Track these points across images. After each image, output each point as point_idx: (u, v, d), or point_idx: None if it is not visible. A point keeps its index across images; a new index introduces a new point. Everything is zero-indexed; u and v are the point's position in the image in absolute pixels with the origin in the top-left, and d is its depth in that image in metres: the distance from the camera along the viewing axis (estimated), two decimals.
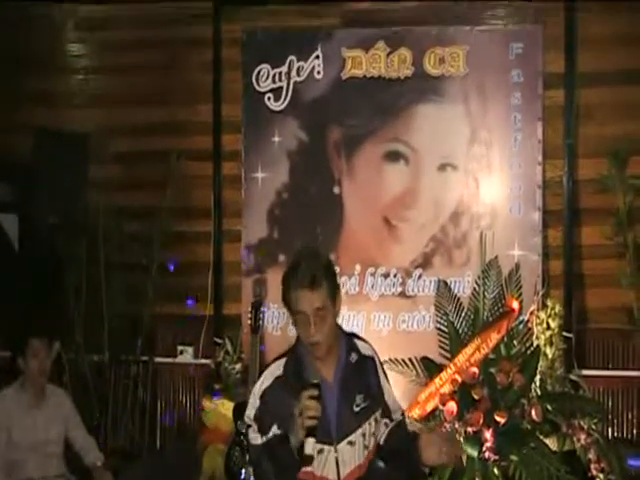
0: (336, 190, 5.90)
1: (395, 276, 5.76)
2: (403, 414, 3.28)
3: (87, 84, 6.43)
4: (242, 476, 5.21)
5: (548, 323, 5.21)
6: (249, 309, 5.50)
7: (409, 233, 5.79)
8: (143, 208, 6.04)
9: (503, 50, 5.70)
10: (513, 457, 4.77)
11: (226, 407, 5.49)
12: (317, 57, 5.92)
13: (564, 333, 5.38)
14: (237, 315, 5.96)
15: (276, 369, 3.07)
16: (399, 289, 5.77)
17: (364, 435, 3.05)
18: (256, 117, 5.99)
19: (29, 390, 4.76)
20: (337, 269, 5.44)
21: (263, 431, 2.98)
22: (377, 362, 3.18)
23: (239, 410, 5.30)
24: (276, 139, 5.96)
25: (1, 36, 6.35)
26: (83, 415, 5.06)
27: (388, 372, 3.25)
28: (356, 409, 3.02)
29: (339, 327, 3.08)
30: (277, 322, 5.83)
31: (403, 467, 3.13)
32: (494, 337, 5.02)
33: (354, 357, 3.09)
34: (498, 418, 4.78)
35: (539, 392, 5.09)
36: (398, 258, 5.77)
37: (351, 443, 3.02)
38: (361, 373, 3.09)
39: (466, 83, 5.74)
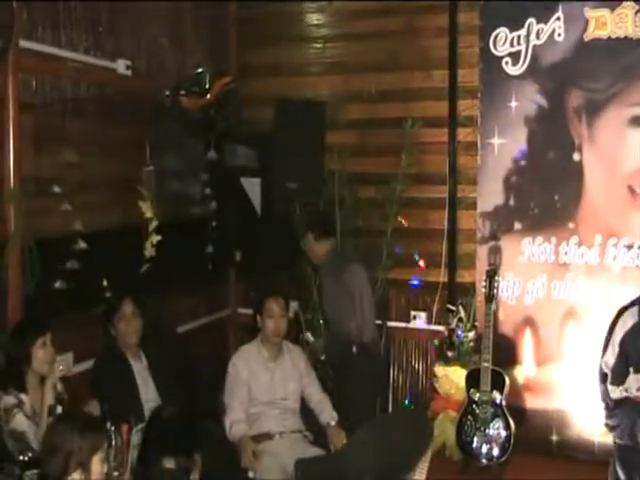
0: (576, 157, 5.66)
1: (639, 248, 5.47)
2: None
3: (324, 53, 6.56)
4: (474, 444, 5.18)
5: None
6: (483, 277, 5.46)
7: None
8: (378, 174, 6.10)
9: None
10: None
11: (458, 375, 5.45)
12: (558, 19, 5.68)
13: None
14: (471, 283, 5.90)
15: (631, 317, 3.25)
16: None
17: None
18: (493, 82, 5.85)
19: (267, 347, 4.97)
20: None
21: (618, 382, 3.27)
22: None
23: (472, 378, 5.27)
24: (513, 104, 5.79)
25: (247, 15, 6.63)
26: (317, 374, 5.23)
27: None
28: None
29: None
30: (512, 292, 5.70)
31: None
32: None
33: None
34: None
35: None
36: None
37: None
38: None
39: None
